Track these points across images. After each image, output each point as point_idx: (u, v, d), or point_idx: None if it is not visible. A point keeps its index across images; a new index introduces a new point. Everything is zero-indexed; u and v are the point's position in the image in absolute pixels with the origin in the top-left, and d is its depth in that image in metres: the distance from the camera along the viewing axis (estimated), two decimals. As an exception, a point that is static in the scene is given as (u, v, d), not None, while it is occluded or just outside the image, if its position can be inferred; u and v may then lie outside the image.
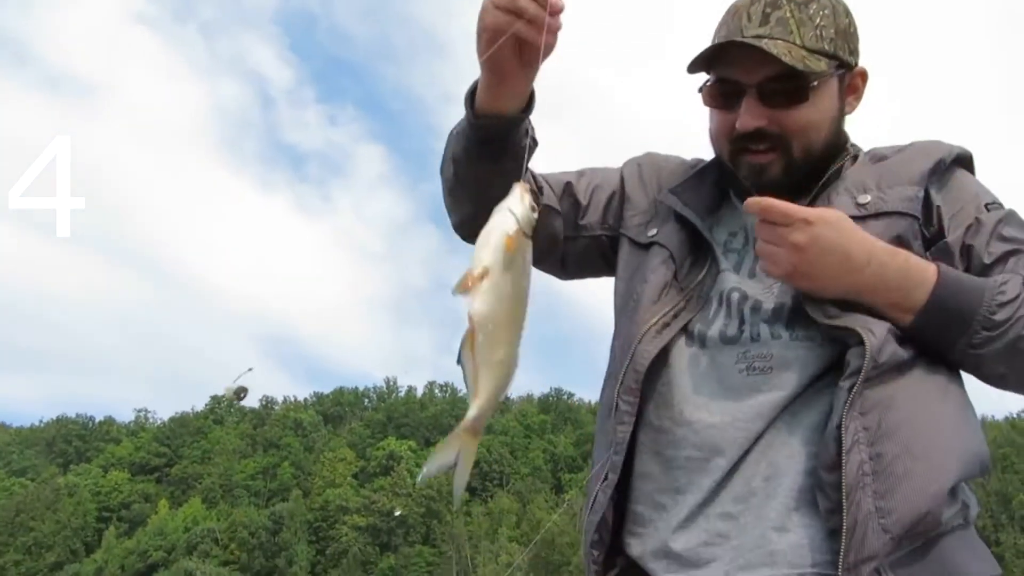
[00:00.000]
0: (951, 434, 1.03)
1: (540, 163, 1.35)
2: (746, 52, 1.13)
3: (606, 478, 1.17)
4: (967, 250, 1.12)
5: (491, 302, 0.93)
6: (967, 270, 1.12)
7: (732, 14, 1.19)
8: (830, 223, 1.06)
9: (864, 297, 1.06)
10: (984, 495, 51.14)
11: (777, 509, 1.04)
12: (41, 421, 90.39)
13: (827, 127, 1.18)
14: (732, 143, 1.19)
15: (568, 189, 1.36)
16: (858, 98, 1.23)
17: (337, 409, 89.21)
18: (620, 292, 1.31)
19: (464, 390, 0.93)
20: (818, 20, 1.15)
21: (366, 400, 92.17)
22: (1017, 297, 1.04)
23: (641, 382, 1.16)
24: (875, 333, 1.03)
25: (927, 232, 1.14)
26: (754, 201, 1.08)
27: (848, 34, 1.19)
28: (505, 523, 60.22)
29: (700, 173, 1.31)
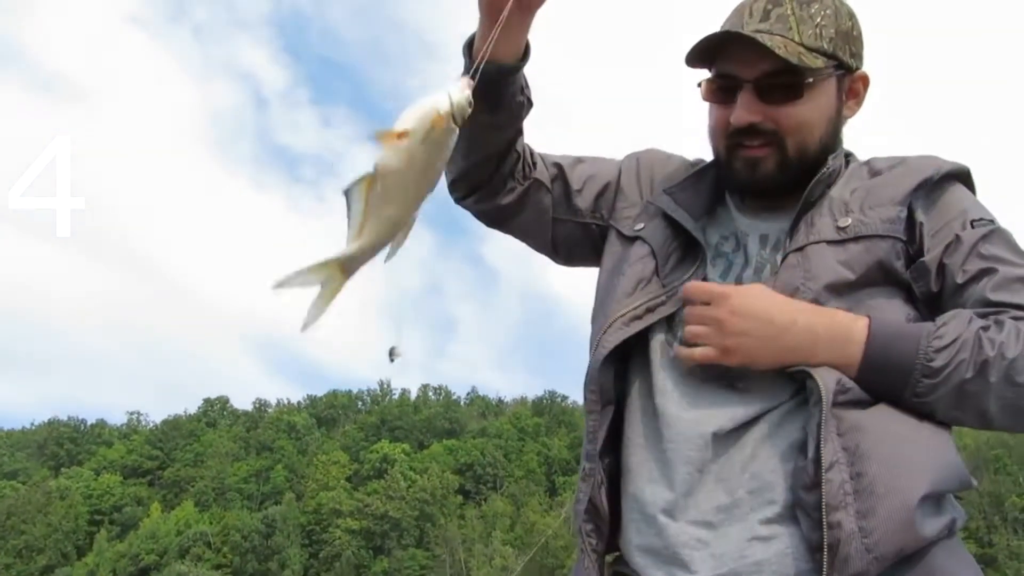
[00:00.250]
0: (927, 453, 1.02)
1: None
2: (745, 47, 1.14)
3: (584, 468, 1.19)
4: (942, 269, 1.10)
5: (399, 161, 0.98)
6: (941, 290, 1.10)
7: (735, 12, 1.20)
8: (748, 293, 1.08)
9: (800, 359, 1.05)
10: (977, 496, 51.32)
11: (762, 522, 1.04)
12: (32, 423, 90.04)
13: (823, 127, 1.18)
14: (727, 138, 1.19)
15: (560, 171, 1.37)
16: (859, 103, 1.23)
17: (330, 412, 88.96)
18: (601, 284, 1.32)
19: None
20: (819, 19, 1.15)
21: (360, 403, 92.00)
22: (955, 340, 1.01)
23: (599, 371, 1.17)
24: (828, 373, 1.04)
25: (912, 252, 1.13)
26: (683, 288, 1.13)
27: (850, 37, 1.19)
28: (499, 526, 60.22)
29: (699, 173, 1.31)
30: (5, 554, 61.56)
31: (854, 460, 0.98)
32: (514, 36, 1.15)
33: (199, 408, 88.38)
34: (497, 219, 1.38)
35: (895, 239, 1.12)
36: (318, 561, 64.63)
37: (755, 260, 1.19)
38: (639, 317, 1.18)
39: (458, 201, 1.35)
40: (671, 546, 1.08)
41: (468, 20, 1.25)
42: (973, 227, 1.11)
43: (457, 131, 1.04)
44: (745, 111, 1.15)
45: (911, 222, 1.13)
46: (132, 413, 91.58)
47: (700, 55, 1.18)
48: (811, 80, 1.14)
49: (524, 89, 1.23)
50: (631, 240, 1.29)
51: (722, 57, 1.18)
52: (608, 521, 1.17)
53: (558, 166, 1.37)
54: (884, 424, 1.01)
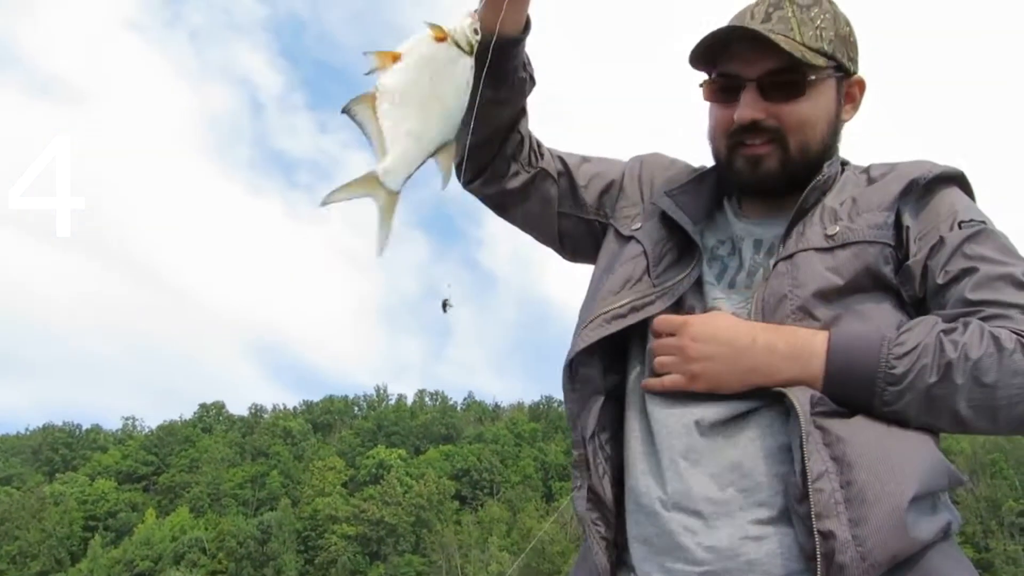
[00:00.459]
0: (912, 454, 1.01)
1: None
2: (747, 46, 1.16)
3: (574, 456, 1.21)
4: (926, 271, 1.10)
5: (400, 80, 1.00)
6: (925, 292, 1.11)
7: (736, 16, 1.22)
8: (706, 320, 1.12)
9: (764, 378, 1.07)
10: (973, 501, 51.45)
11: (753, 522, 1.04)
12: (27, 429, 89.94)
13: (823, 127, 1.19)
14: (729, 137, 1.20)
15: (567, 167, 1.40)
16: (855, 107, 1.24)
17: (327, 417, 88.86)
18: (593, 281, 1.34)
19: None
20: (819, 22, 1.18)
21: (356, 408, 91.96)
22: (917, 346, 1.00)
23: (578, 364, 1.20)
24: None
25: (900, 257, 1.13)
26: (652, 322, 1.16)
27: (848, 42, 1.21)
28: (495, 532, 60.11)
29: (699, 178, 1.33)
30: (-1, 560, 61.24)
31: (843, 469, 0.98)
32: (516, 7, 1.16)
33: (195, 413, 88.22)
34: (503, 205, 1.39)
35: (883, 244, 1.12)
36: (314, 567, 64.41)
37: (748, 264, 1.20)
38: (622, 316, 1.19)
39: (466, 186, 1.37)
40: (663, 535, 1.09)
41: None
42: (960, 228, 1.10)
43: (465, 58, 1.04)
44: (749, 108, 1.16)
45: (899, 227, 1.13)
46: (127, 418, 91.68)
47: (704, 54, 1.20)
48: (813, 78, 1.16)
49: (527, 65, 1.26)
50: (627, 239, 1.30)
51: (724, 57, 1.20)
52: (615, 512, 1.18)
53: (564, 162, 1.40)
54: (867, 431, 1.01)
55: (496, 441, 77.99)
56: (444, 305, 1.17)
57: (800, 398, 1.03)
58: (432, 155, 1.03)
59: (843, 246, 1.12)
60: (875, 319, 1.09)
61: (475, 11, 1.10)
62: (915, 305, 1.12)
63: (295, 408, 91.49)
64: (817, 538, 0.96)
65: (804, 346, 1.06)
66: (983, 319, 1.03)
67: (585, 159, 1.43)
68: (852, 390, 1.03)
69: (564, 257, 1.46)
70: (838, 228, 1.14)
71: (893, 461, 0.99)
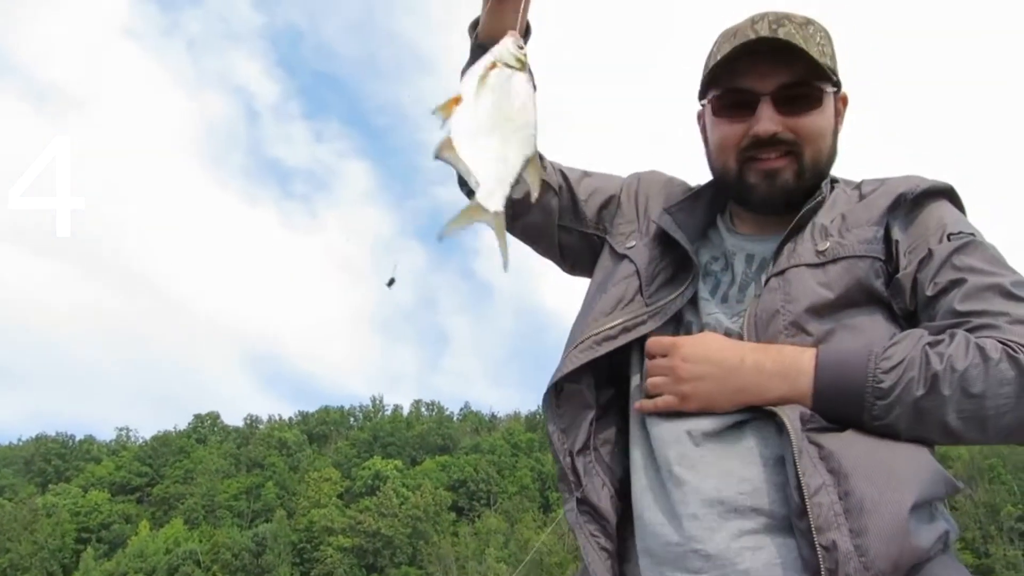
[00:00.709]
0: (908, 464, 1.01)
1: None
2: (759, 61, 1.18)
3: (559, 472, 1.23)
4: (916, 284, 1.11)
5: (468, 118, 1.07)
6: (916, 305, 1.12)
7: (733, 34, 1.22)
8: (696, 341, 1.14)
9: (753, 397, 1.08)
10: (972, 507, 51.43)
11: (750, 531, 1.05)
12: (20, 439, 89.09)
13: (831, 139, 1.22)
14: (741, 152, 1.21)
15: (568, 181, 1.41)
16: (841, 121, 1.26)
17: (322, 428, 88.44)
18: (587, 297, 1.35)
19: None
20: (818, 39, 1.20)
21: (352, 419, 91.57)
22: (903, 360, 1.01)
23: (561, 384, 1.21)
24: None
25: (890, 270, 1.14)
26: (647, 344, 1.18)
27: (835, 58, 1.24)
28: (492, 543, 59.73)
29: (695, 195, 1.35)
30: (-10, 572, 60.56)
31: (840, 480, 0.99)
32: (513, 13, 1.19)
33: (189, 424, 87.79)
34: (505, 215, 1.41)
35: (873, 258, 1.14)
36: (310, 579, 63.89)
37: (740, 278, 1.22)
38: (612, 337, 1.21)
39: (468, 196, 1.39)
40: (662, 545, 1.10)
41: (461, 35, 1.35)
42: (949, 240, 1.12)
43: (518, 72, 1.10)
44: (769, 121, 1.17)
45: (888, 241, 1.15)
46: (121, 429, 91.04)
47: (715, 68, 1.21)
48: (827, 91, 1.20)
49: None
50: (620, 257, 1.32)
51: (731, 73, 1.20)
52: (615, 523, 1.19)
53: (566, 175, 1.42)
54: (861, 443, 1.02)
55: (493, 451, 77.70)
56: (391, 283, 1.23)
57: (791, 416, 1.04)
58: (521, 170, 1.09)
59: (834, 261, 1.14)
60: (868, 333, 1.10)
61: (511, 30, 1.14)
62: (907, 318, 1.13)
63: (290, 419, 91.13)
64: (820, 552, 0.96)
65: (792, 364, 1.07)
66: (971, 330, 1.03)
67: (586, 173, 1.45)
68: (841, 406, 1.04)
69: (564, 270, 1.47)
70: (828, 244, 1.16)
71: (890, 470, 0.99)
